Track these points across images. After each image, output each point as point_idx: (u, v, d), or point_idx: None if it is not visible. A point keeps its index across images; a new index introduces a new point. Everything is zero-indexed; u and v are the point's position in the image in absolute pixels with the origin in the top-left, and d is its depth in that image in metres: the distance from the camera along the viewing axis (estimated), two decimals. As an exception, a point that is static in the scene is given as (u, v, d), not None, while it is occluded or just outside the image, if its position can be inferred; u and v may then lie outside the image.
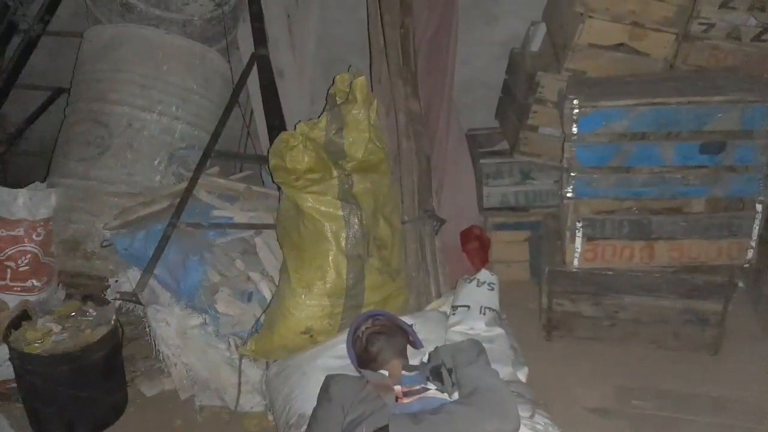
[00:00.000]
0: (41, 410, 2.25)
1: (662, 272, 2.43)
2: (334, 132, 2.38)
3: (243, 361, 2.44)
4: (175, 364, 2.50)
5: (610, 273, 2.45)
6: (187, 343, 2.47)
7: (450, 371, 1.82)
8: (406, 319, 2.30)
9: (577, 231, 2.37)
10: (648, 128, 2.33)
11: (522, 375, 2.24)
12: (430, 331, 2.33)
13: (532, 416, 1.92)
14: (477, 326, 2.31)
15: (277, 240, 2.47)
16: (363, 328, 2.05)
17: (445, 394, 1.76)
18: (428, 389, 1.78)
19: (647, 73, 2.63)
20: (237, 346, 2.43)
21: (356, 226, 2.29)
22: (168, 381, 2.57)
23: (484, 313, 2.33)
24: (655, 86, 2.43)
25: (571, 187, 2.34)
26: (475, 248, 3.03)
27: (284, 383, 2.20)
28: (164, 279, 2.46)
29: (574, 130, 2.28)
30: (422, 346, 2.10)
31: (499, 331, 2.31)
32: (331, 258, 2.25)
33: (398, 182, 2.62)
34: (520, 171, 3.00)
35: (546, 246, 2.75)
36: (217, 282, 2.42)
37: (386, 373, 1.90)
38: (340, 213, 2.27)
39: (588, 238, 2.39)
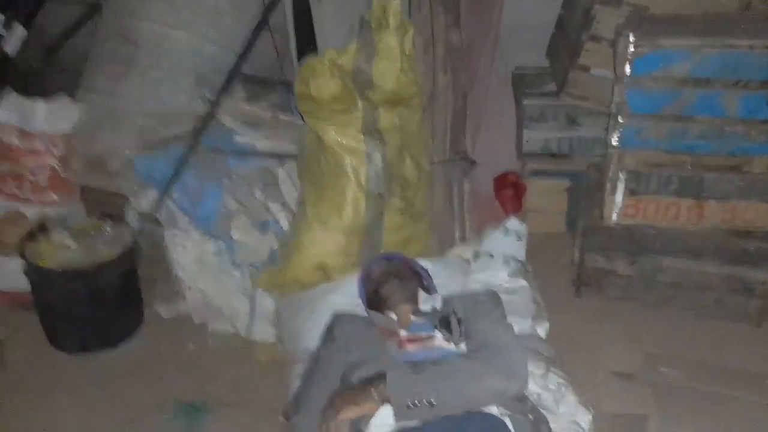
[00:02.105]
0: (56, 324, 2.28)
1: (709, 235, 2.22)
2: (363, 60, 2.22)
3: (256, 290, 2.40)
4: (190, 289, 2.48)
5: (651, 231, 2.25)
6: (203, 269, 2.45)
7: (460, 321, 1.71)
8: (425, 264, 2.19)
9: (619, 183, 2.17)
10: (712, 74, 2.07)
11: (542, 330, 2.12)
12: (449, 278, 2.22)
13: (545, 374, 1.81)
14: (499, 276, 2.19)
15: (297, 173, 2.37)
16: (376, 269, 1.95)
17: (452, 344, 1.65)
18: (435, 338, 1.68)
19: (718, 13, 2.33)
20: (251, 276, 2.39)
21: (379, 163, 2.16)
22: (184, 305, 2.56)
23: (508, 263, 2.20)
24: (726, 27, 2.15)
25: (618, 134, 2.13)
26: (509, 195, 2.86)
27: (294, 318, 2.15)
28: (182, 203, 2.41)
29: (628, 70, 2.04)
30: (435, 292, 1.99)
31: (522, 283, 2.18)
32: (349, 194, 2.14)
33: (430, 121, 2.45)
34: (566, 115, 2.77)
35: (586, 198, 2.56)
36: (234, 210, 2.35)
37: (395, 317, 1.81)
38: (363, 148, 2.14)
39: (630, 192, 2.19)
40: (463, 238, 2.47)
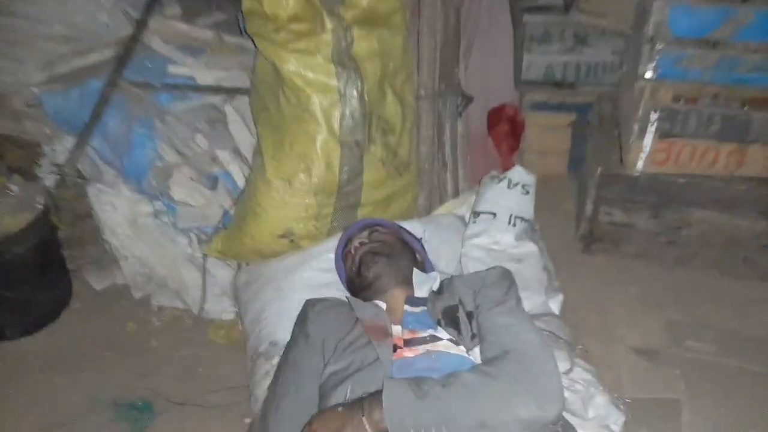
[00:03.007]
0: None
1: (747, 184, 1.87)
2: (330, -37, 1.70)
3: (208, 260, 1.97)
4: (126, 257, 2.04)
5: (680, 180, 1.88)
6: (139, 234, 1.99)
7: (469, 315, 1.33)
8: (414, 227, 1.79)
9: (650, 125, 1.77)
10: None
11: (555, 305, 1.78)
12: (443, 241, 1.83)
13: (569, 370, 1.48)
14: (504, 240, 1.80)
15: (251, 113, 1.88)
16: (357, 242, 1.54)
17: (461, 347, 1.29)
18: (438, 338, 1.30)
19: None
20: (200, 243, 1.95)
21: (355, 102, 1.69)
22: (120, 273, 2.13)
23: (514, 224, 1.81)
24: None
25: (654, 64, 1.70)
26: (505, 131, 2.44)
27: (255, 297, 1.75)
28: (105, 154, 1.91)
29: (674, -19, 1.59)
30: (433, 269, 1.60)
31: (531, 247, 1.81)
32: (319, 143, 1.69)
33: (415, 44, 1.97)
34: (573, 35, 2.31)
35: (596, 137, 2.16)
36: (172, 162, 1.88)
37: (383, 305, 1.42)
38: (334, 82, 1.67)
39: (662, 135, 1.79)
40: (456, 190, 2.06)
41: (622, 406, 1.49)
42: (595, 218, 2.04)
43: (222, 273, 2.01)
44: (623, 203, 1.98)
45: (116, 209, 1.97)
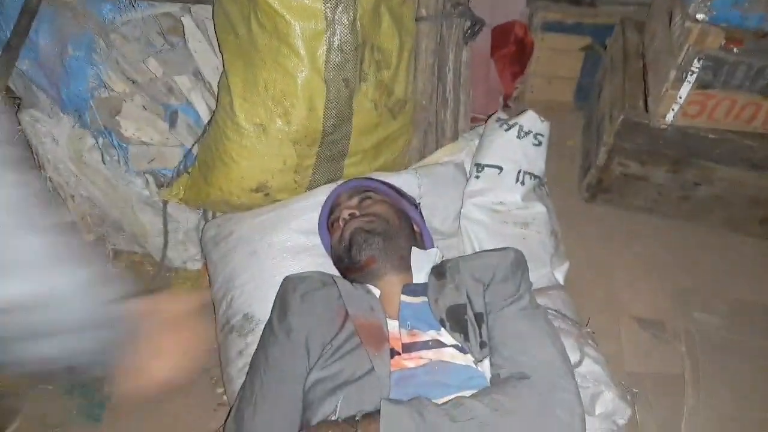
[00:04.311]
0: None
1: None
2: None
3: (169, 204, 1.71)
4: (72, 197, 1.76)
5: (711, 136, 1.66)
6: (85, 171, 1.70)
7: (479, 317, 1.15)
8: (409, 181, 1.55)
9: (690, 74, 1.51)
10: None
11: (561, 273, 1.61)
12: (439, 196, 1.61)
13: (579, 363, 1.34)
14: (509, 199, 1.59)
15: (215, 32, 1.54)
16: (346, 213, 1.31)
17: (469, 356, 1.12)
18: (443, 345, 1.13)
19: None
20: (158, 187, 1.68)
21: (345, 31, 1.37)
22: (70, 215, 1.85)
23: (522, 182, 1.59)
24: None
25: (709, 5, 1.40)
26: (511, 54, 2.13)
27: (225, 259, 1.52)
28: (39, 80, 1.56)
29: None
30: (432, 245, 1.39)
31: (539, 208, 1.61)
32: (300, 82, 1.38)
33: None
34: (600, -59, 1.95)
35: (616, 74, 1.88)
36: (119, 93, 1.55)
37: (377, 292, 1.22)
38: (320, 6, 1.33)
39: (701, 86, 1.54)
40: (455, 133, 1.79)
41: (629, 397, 1.39)
42: (608, 168, 1.82)
43: (186, 217, 1.77)
44: (641, 155, 1.76)
45: (57, 143, 1.65)
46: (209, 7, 1.61)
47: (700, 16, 1.42)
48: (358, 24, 1.39)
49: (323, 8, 1.34)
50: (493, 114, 1.71)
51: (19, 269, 0.68)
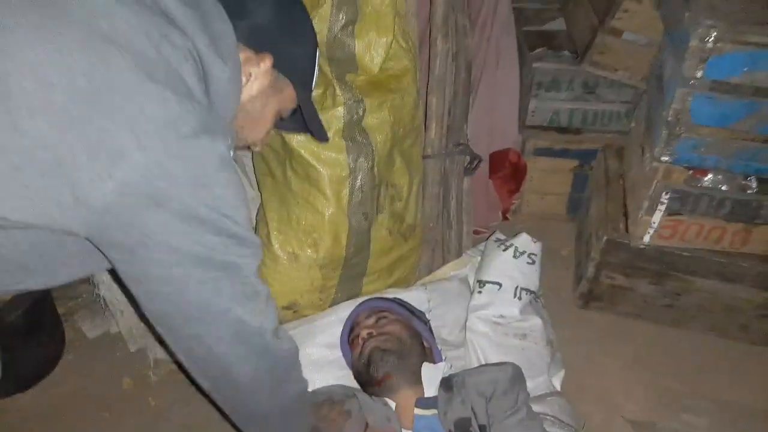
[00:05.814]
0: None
1: (750, 261, 1.88)
2: (341, 26, 1.62)
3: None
4: (122, 312, 1.98)
5: (685, 254, 1.89)
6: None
7: (482, 429, 1.34)
8: (419, 297, 1.77)
9: (660, 204, 1.76)
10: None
11: (558, 380, 1.80)
12: (447, 309, 1.82)
13: (574, 464, 1.51)
14: (509, 313, 1.80)
15: (254, 174, 1.82)
16: (364, 332, 1.52)
17: (473, 463, 1.30)
18: (452, 456, 1.31)
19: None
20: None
21: (365, 176, 1.64)
22: (114, 321, 2.07)
23: (519, 297, 1.81)
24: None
25: (672, 149, 1.67)
26: (506, 175, 2.41)
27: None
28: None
29: (699, 73, 1.54)
30: (441, 359, 1.59)
31: (535, 321, 1.81)
32: (327, 220, 1.64)
33: (424, 102, 1.90)
34: (582, 83, 2.26)
35: (601, 197, 2.14)
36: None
37: (393, 404, 1.42)
38: (344, 157, 1.61)
39: (671, 213, 1.78)
40: (458, 250, 2.03)
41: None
42: (597, 280, 2.04)
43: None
44: (625, 269, 1.98)
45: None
46: (244, 152, 1.90)
47: (665, 158, 1.68)
48: (376, 169, 1.66)
49: (347, 159, 1.61)
50: (493, 233, 1.96)
51: None
